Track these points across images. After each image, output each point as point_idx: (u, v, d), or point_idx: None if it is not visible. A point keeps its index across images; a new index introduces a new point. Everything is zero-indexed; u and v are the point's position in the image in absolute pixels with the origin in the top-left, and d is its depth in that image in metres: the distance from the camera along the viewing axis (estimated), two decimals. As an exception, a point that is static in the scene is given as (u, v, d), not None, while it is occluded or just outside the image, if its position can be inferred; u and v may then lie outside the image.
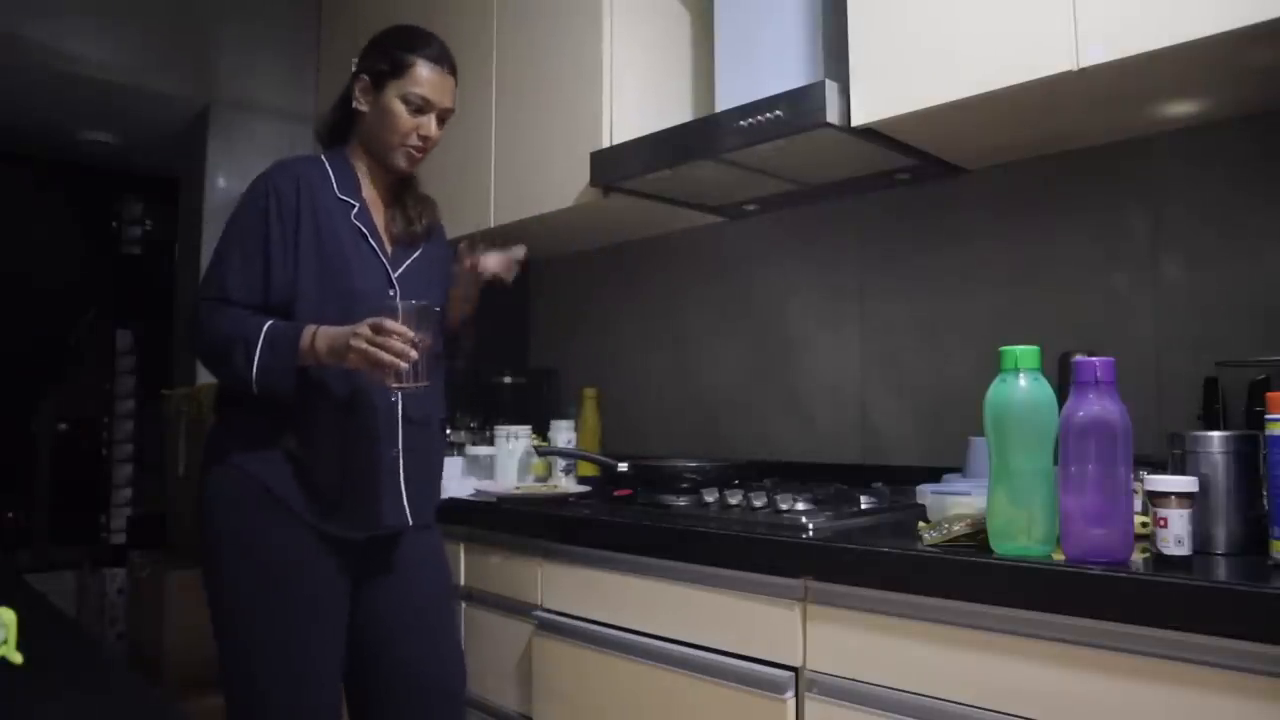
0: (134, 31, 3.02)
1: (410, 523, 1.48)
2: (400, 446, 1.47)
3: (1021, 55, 1.34)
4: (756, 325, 2.23)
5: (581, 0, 2.08)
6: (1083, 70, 1.29)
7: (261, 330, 1.35)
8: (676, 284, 2.43)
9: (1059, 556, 1.03)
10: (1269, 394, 0.97)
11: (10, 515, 3.89)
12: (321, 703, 1.41)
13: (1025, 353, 1.08)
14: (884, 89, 1.52)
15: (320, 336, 1.34)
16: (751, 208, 2.17)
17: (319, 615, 1.42)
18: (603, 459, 1.87)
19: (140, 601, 2.43)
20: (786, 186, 1.97)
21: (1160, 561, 1.00)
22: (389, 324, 1.28)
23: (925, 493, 1.36)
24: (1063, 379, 1.17)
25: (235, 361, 1.35)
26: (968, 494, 1.27)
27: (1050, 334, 1.54)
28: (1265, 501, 0.99)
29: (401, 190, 1.58)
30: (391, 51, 1.49)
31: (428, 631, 1.53)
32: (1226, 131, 1.50)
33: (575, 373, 2.57)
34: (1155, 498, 1.01)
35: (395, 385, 1.33)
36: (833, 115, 1.54)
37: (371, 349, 1.27)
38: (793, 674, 1.24)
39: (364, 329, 1.29)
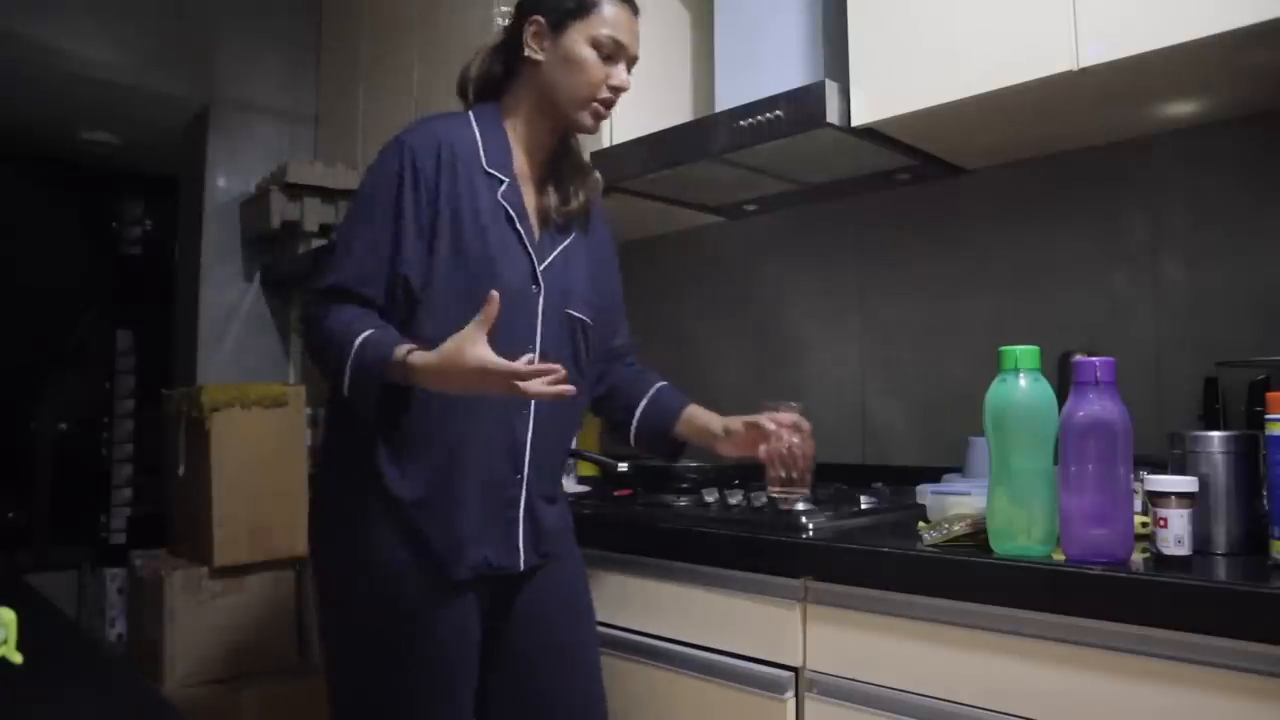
0: (134, 31, 3.02)
1: (522, 567, 1.25)
2: (525, 475, 1.25)
3: (1021, 55, 1.35)
4: (756, 325, 2.23)
5: (581, 0, 2.08)
6: (1083, 70, 1.29)
7: (356, 340, 1.15)
8: (676, 284, 2.43)
9: (1059, 556, 1.03)
10: (1269, 394, 0.97)
11: (10, 515, 3.89)
12: None
13: (1025, 353, 1.08)
14: (884, 89, 1.52)
15: (425, 366, 1.10)
16: (751, 208, 2.16)
17: (448, 664, 1.22)
18: (603, 459, 1.87)
19: (140, 601, 2.43)
20: (786, 186, 1.97)
21: (1160, 561, 1.00)
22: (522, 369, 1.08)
23: (925, 493, 1.36)
24: (1063, 379, 1.17)
25: (330, 369, 1.18)
26: (968, 494, 1.27)
27: (1050, 334, 1.54)
28: (1265, 501, 0.99)
29: (560, 159, 1.35)
30: None
31: (565, 665, 1.34)
32: (1226, 131, 1.50)
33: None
34: (1155, 498, 1.01)
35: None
36: (833, 115, 1.54)
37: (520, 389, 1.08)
38: (793, 674, 1.24)
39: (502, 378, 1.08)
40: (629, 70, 1.29)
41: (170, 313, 3.49)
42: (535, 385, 1.07)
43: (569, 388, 1.10)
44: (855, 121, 1.55)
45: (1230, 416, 1.36)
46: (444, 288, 1.20)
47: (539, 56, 1.27)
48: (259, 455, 2.31)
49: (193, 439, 2.35)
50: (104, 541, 3.91)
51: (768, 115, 1.60)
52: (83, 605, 3.64)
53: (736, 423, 1.32)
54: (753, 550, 1.29)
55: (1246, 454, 1.04)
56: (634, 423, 1.44)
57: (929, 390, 1.89)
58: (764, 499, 1.48)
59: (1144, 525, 1.06)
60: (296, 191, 2.85)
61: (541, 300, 1.27)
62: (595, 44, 1.25)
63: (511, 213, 1.26)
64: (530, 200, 1.31)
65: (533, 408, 1.25)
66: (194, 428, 2.33)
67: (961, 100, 1.42)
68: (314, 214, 2.88)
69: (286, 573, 2.38)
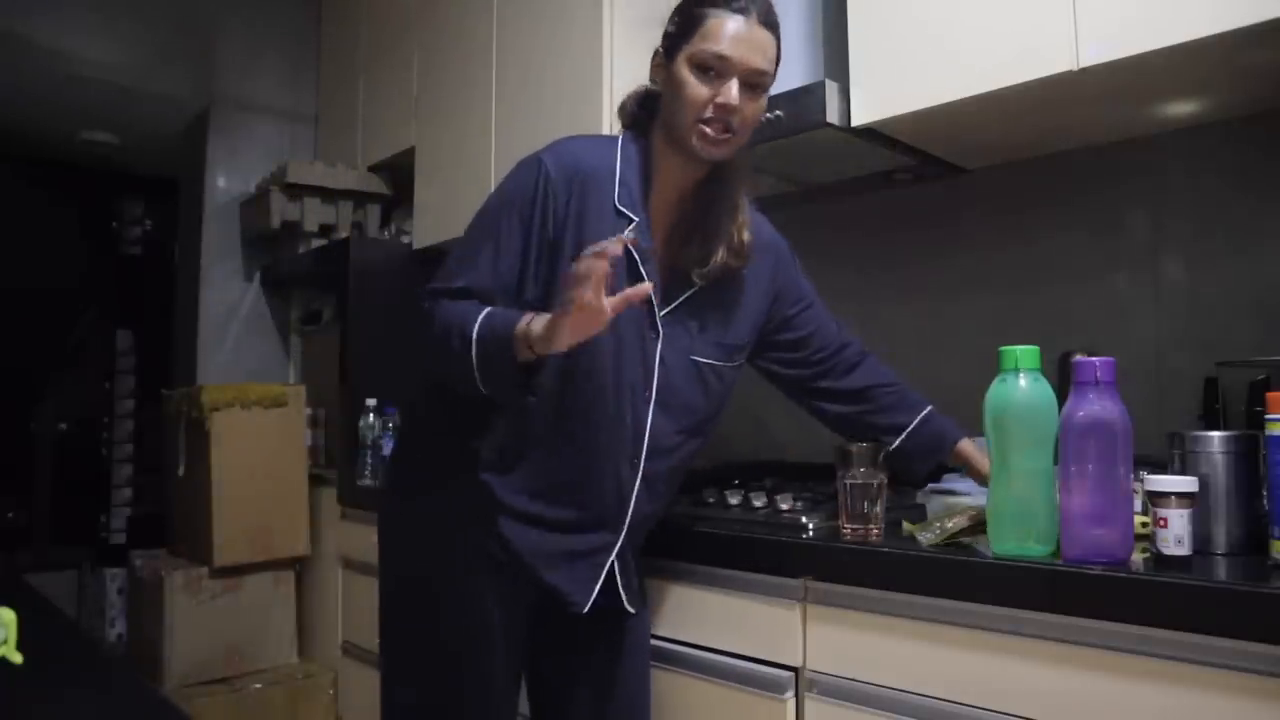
0: (134, 31, 3.02)
1: (586, 609, 1.21)
2: (623, 538, 1.23)
3: (1021, 55, 1.35)
4: (756, 325, 2.23)
5: (582, 0, 2.08)
6: (1083, 70, 1.29)
7: (480, 314, 1.10)
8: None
9: (1059, 557, 1.03)
10: (1269, 394, 0.97)
11: (10, 515, 3.89)
12: None
13: (1025, 353, 1.08)
14: (884, 89, 1.52)
15: (537, 318, 1.05)
16: (751, 208, 2.16)
17: (499, 664, 1.23)
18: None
19: (140, 601, 2.43)
20: (786, 186, 1.97)
21: (1160, 561, 1.00)
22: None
23: (925, 493, 1.36)
24: (1063, 379, 1.17)
25: (452, 354, 1.11)
26: (968, 494, 1.27)
27: (1050, 334, 1.54)
28: (1265, 501, 0.99)
29: (712, 203, 1.24)
30: (685, 8, 1.19)
31: (620, 661, 1.32)
32: (1226, 131, 1.50)
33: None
34: (1155, 498, 1.01)
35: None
36: (833, 115, 1.54)
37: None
38: (793, 674, 1.24)
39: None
40: (757, 89, 1.18)
41: (170, 313, 3.49)
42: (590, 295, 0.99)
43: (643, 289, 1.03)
44: (855, 121, 1.55)
45: (1230, 416, 1.36)
46: None
47: (658, 88, 1.23)
48: (259, 455, 2.32)
49: (193, 439, 2.36)
50: (104, 541, 3.91)
51: (768, 115, 1.60)
52: (83, 605, 3.64)
53: None
54: (753, 550, 1.29)
55: (1246, 454, 1.04)
56: (900, 442, 1.38)
57: (929, 390, 1.88)
58: (764, 499, 1.48)
59: (1144, 525, 1.06)
60: (296, 191, 2.85)
61: (660, 345, 1.22)
62: (698, 63, 1.16)
63: (635, 256, 1.19)
64: (661, 241, 1.24)
65: (644, 454, 1.22)
66: (194, 428, 2.33)
67: (961, 100, 1.42)
68: (314, 214, 2.88)
69: (286, 573, 2.38)
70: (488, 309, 1.12)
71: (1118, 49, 1.25)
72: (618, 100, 1.61)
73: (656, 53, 1.23)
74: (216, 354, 3.07)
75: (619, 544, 1.23)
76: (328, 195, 2.89)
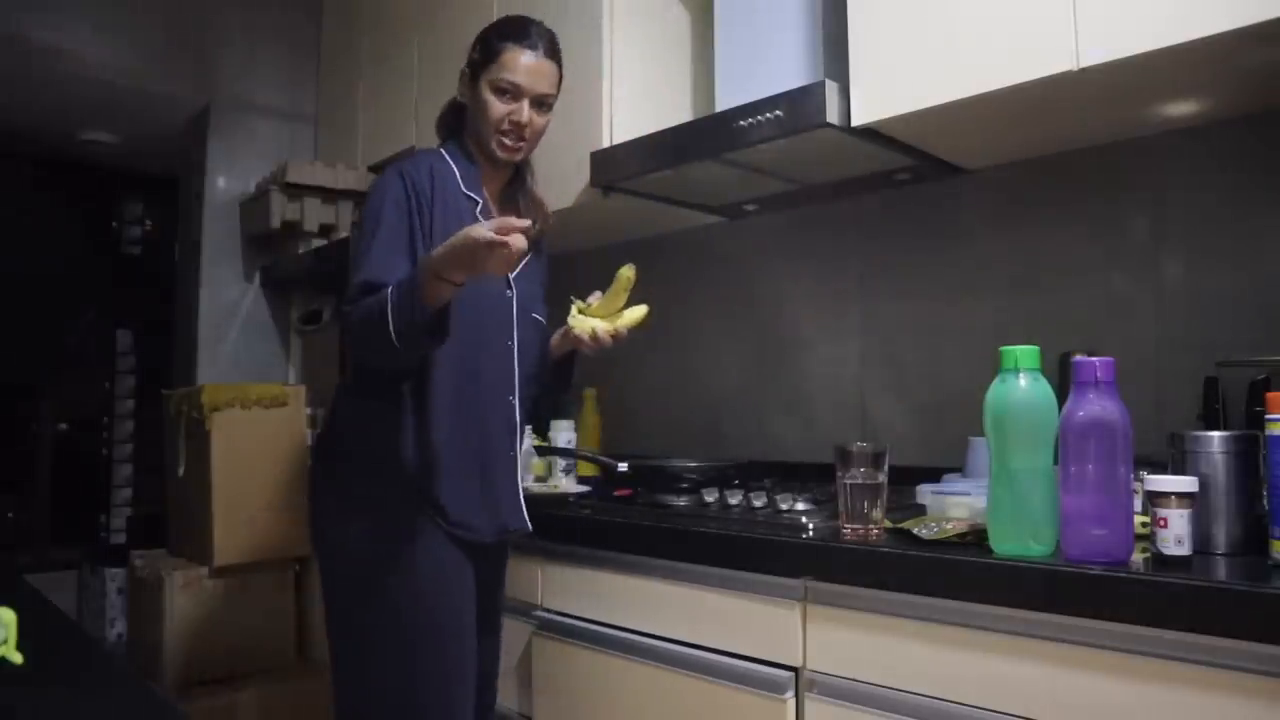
0: (134, 31, 3.02)
1: (529, 527, 1.47)
2: (517, 448, 1.48)
3: (1021, 55, 1.35)
4: (756, 325, 2.23)
5: (582, 1, 2.08)
6: (1083, 70, 1.29)
7: (388, 289, 1.26)
8: (676, 284, 2.43)
9: (1059, 557, 1.03)
10: (1269, 394, 0.97)
11: (10, 515, 3.89)
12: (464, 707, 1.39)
13: (1025, 353, 1.08)
14: (884, 89, 1.52)
15: (439, 250, 1.20)
16: (751, 208, 2.16)
17: (464, 627, 1.39)
18: (603, 459, 1.87)
19: (140, 601, 2.43)
20: (786, 186, 1.97)
21: (1160, 561, 1.00)
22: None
23: (925, 493, 1.36)
24: (1063, 379, 1.17)
25: (375, 322, 1.24)
26: (968, 494, 1.27)
27: (1050, 334, 1.54)
28: (1265, 501, 0.99)
29: (518, 191, 1.55)
30: (486, 40, 1.46)
31: (495, 634, 1.57)
32: (1226, 131, 1.50)
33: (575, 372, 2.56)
34: (1155, 498, 1.01)
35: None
36: (833, 115, 1.54)
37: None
38: (793, 674, 1.24)
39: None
40: (544, 106, 1.46)
41: (170, 313, 3.49)
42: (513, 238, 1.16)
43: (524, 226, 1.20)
44: (855, 121, 1.55)
45: (1230, 416, 1.36)
46: None
47: (464, 101, 1.49)
48: (259, 455, 2.31)
49: (193, 439, 2.35)
50: (104, 541, 3.91)
51: (768, 115, 1.60)
52: (83, 605, 3.64)
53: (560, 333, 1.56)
54: (753, 550, 1.29)
55: (1246, 454, 1.04)
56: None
57: (929, 390, 1.89)
58: (764, 499, 1.48)
59: (1144, 525, 1.06)
60: (296, 191, 2.85)
61: (515, 303, 1.47)
62: (496, 87, 1.42)
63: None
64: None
65: (517, 390, 1.47)
66: (194, 428, 2.33)
67: (961, 100, 1.42)
68: (314, 214, 2.88)
69: (286, 573, 2.38)
70: (392, 283, 1.27)
71: (1118, 49, 1.25)
72: (618, 98, 1.91)
73: (463, 73, 1.49)
74: (216, 354, 3.07)
75: (519, 466, 1.48)
76: (328, 195, 2.89)
